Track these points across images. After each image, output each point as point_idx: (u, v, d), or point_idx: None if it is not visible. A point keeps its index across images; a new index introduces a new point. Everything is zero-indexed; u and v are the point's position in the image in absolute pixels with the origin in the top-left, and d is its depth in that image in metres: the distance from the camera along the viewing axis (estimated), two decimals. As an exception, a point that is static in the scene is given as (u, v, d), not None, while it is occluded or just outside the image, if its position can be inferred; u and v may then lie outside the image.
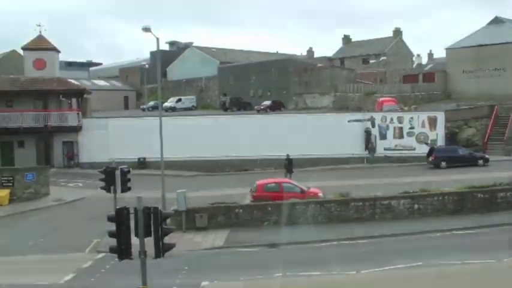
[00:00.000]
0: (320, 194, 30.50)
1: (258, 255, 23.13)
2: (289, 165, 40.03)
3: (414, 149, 46.67)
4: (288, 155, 40.44)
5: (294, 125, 47.46)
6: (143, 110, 68.89)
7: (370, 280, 18.89)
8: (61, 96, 48.74)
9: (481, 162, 43.07)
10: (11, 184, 35.54)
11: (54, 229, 29.09)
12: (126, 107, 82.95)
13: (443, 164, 42.63)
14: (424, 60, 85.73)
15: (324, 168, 44.72)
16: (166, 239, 13.58)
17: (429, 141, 46.57)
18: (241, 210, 27.90)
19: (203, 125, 48.38)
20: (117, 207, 13.92)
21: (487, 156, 44.00)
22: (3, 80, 50.10)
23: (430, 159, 43.73)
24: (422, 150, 46.13)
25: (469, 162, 42.62)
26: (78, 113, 48.14)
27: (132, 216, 13.20)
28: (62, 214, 32.78)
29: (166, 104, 69.32)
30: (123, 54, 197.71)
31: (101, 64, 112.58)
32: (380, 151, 46.49)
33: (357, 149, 46.44)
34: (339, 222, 26.97)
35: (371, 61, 77.30)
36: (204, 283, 18.74)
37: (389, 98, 55.95)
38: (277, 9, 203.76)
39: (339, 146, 45.56)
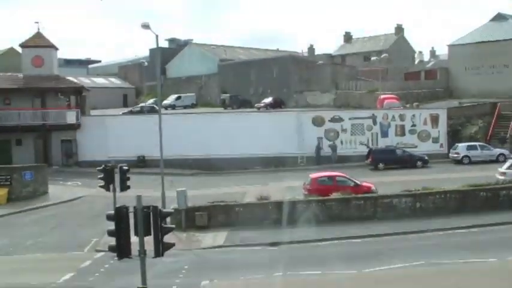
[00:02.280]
0: (373, 188, 30.72)
1: (259, 254, 23.00)
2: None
3: (416, 147, 46.52)
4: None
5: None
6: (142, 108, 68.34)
7: (372, 279, 18.83)
8: (59, 94, 48.52)
9: (419, 163, 43.26)
10: (9, 183, 35.42)
11: (53, 228, 29.00)
12: (125, 104, 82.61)
13: (381, 165, 42.68)
14: (426, 57, 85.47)
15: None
16: (166, 238, 13.48)
17: (368, 144, 46.63)
18: (241, 209, 27.80)
19: (201, 122, 48.28)
20: (117, 206, 13.85)
21: (426, 157, 43.91)
22: (0, 77, 49.91)
23: (368, 160, 43.70)
24: (423, 148, 46.13)
25: (408, 163, 42.71)
26: (76, 111, 47.92)
27: (131, 215, 13.09)
28: (61, 213, 32.63)
29: (165, 102, 69.01)
30: (122, 52, 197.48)
31: (99, 62, 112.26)
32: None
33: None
34: (340, 221, 26.83)
35: (372, 58, 77.06)
36: (204, 282, 18.64)
37: (391, 96, 55.78)
38: (277, 4, 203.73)
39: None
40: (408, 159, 43.43)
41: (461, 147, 44.32)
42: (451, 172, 39.25)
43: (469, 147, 44.23)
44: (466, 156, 43.72)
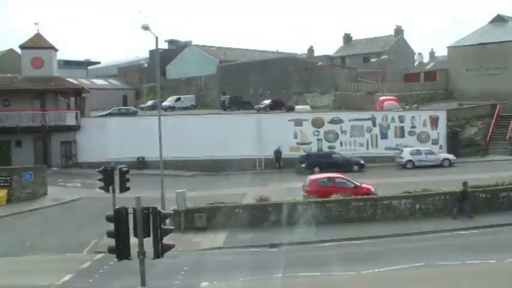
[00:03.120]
0: (372, 190, 30.77)
1: (258, 255, 23.03)
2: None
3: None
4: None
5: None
6: (142, 109, 68.63)
7: (371, 281, 18.88)
8: (59, 95, 48.56)
9: (356, 167, 43.31)
10: (8, 184, 35.34)
11: (52, 229, 28.99)
12: (125, 106, 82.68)
13: (317, 169, 41.77)
14: (426, 59, 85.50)
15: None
16: (166, 240, 13.51)
17: (308, 149, 46.59)
18: (240, 210, 27.82)
19: (201, 124, 48.34)
20: (116, 207, 13.87)
21: (362, 162, 44.01)
22: (0, 78, 49.90)
23: (305, 164, 43.70)
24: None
25: (344, 167, 41.81)
26: (76, 112, 47.96)
27: (131, 216, 13.13)
28: (60, 214, 32.67)
29: (165, 103, 69.10)
30: (121, 53, 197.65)
31: (99, 63, 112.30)
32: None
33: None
34: (340, 223, 26.88)
35: (372, 60, 77.14)
36: (203, 284, 18.70)
37: (390, 97, 55.84)
38: (276, 6, 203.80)
39: None
40: (344, 163, 43.12)
41: (406, 152, 44.43)
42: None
43: (413, 152, 44.37)
44: (410, 160, 43.81)
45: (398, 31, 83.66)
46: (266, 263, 21.25)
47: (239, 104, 67.05)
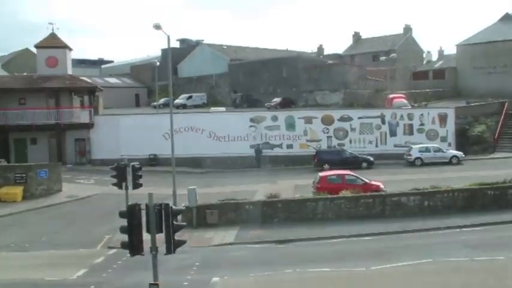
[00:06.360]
0: (382, 187, 30.89)
1: (268, 251, 23.27)
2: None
3: None
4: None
5: None
6: (154, 107, 69.16)
7: (380, 276, 18.93)
8: (73, 94, 49.17)
9: (364, 164, 43.51)
10: (24, 181, 35.96)
11: (67, 225, 29.43)
12: (137, 104, 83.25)
13: (327, 166, 42.12)
14: (434, 57, 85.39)
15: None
16: (177, 235, 13.63)
17: (317, 146, 46.92)
18: (251, 207, 28.09)
19: (214, 121, 48.81)
20: (129, 203, 14.04)
21: (371, 159, 44.15)
22: (16, 77, 50.70)
23: (315, 161, 44.10)
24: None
25: (353, 164, 42.13)
26: (90, 110, 48.59)
27: (143, 213, 13.28)
28: (74, 210, 33.10)
29: (177, 101, 69.50)
30: (134, 52, 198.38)
31: (112, 62, 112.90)
32: None
33: None
34: (349, 219, 27.07)
35: (381, 58, 77.13)
36: (214, 279, 18.90)
37: (400, 95, 55.93)
38: (286, 5, 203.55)
39: None
40: (353, 160, 43.52)
41: (414, 150, 44.45)
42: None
43: (422, 149, 44.38)
44: (419, 158, 43.84)
45: (407, 29, 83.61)
46: (276, 259, 21.48)
47: (250, 102, 67.39)
